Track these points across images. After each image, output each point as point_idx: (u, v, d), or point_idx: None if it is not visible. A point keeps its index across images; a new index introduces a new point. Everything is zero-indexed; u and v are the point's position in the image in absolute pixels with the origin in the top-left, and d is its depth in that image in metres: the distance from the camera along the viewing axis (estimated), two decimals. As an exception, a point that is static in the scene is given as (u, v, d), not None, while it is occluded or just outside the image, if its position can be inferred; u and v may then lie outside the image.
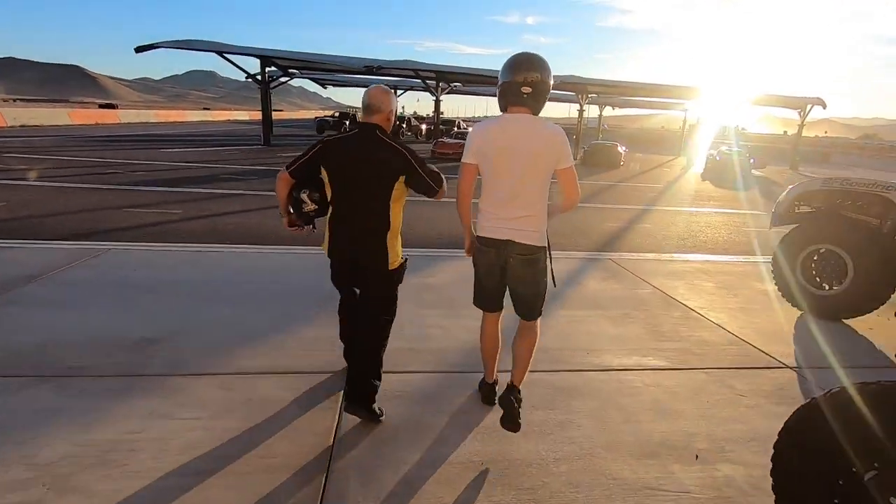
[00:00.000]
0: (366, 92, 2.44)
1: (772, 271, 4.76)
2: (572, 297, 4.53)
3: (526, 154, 2.17)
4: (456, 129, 28.49)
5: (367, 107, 2.40)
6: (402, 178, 2.35)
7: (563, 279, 5.04)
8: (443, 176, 2.48)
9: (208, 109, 59.01)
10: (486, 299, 2.50)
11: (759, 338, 3.81)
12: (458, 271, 5.07)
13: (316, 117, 35.84)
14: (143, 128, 29.61)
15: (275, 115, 63.72)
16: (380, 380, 2.52)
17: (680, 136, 39.86)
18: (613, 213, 10.03)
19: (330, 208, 2.44)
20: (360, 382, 2.46)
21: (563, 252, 6.26)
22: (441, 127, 27.90)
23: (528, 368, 2.45)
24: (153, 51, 18.16)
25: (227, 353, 3.11)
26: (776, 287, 4.72)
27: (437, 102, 23.44)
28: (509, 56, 2.24)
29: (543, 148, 2.18)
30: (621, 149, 23.79)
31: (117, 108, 47.06)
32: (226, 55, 19.06)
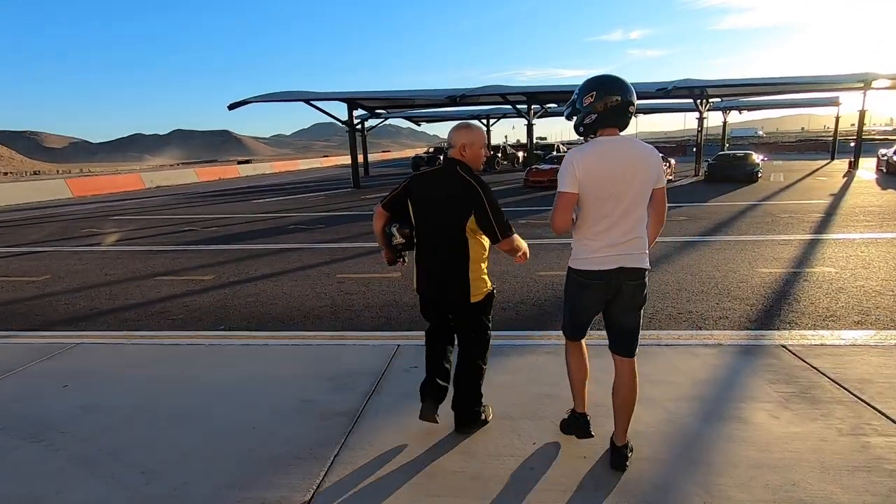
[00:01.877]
0: None
1: None
2: (732, 463, 2.27)
3: (631, 176, 2.10)
4: (555, 152, 26.30)
5: (447, 143, 2.48)
6: (473, 214, 2.33)
7: (702, 402, 2.82)
8: (514, 231, 2.38)
9: (327, 157, 62.95)
10: (580, 329, 2.34)
11: None
12: (519, 384, 3.06)
13: (416, 155, 35.97)
14: (256, 179, 31.67)
15: (381, 156, 66.44)
16: (480, 406, 2.61)
17: (832, 136, 33.14)
18: (765, 250, 7.18)
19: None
20: (459, 410, 2.56)
21: (696, 334, 3.92)
22: (538, 153, 25.93)
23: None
24: (284, 111, 18.98)
25: None
26: None
27: (530, 127, 21.51)
28: (591, 79, 2.15)
29: (645, 168, 2.11)
30: (758, 158, 19.68)
31: (251, 162, 51.31)
32: (312, 103, 19.22)
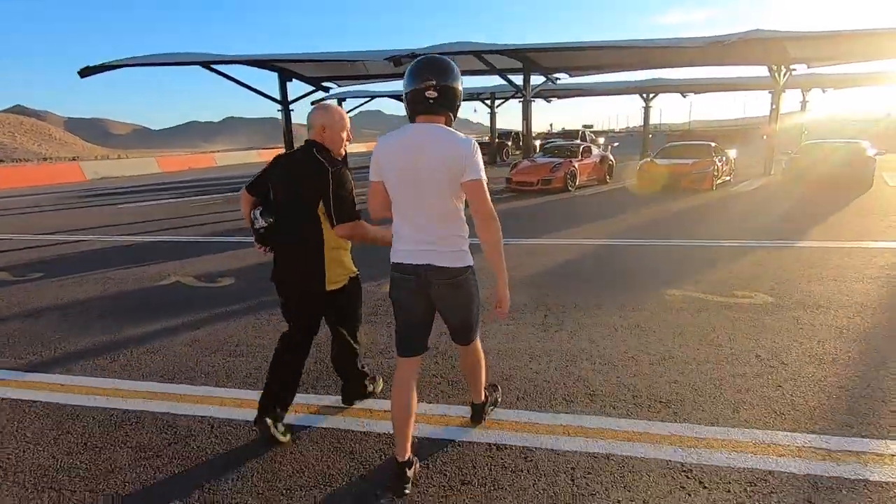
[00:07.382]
0: None
1: None
2: None
3: (431, 167, 1.96)
4: (578, 141, 19.89)
5: (307, 125, 2.44)
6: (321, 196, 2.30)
7: None
8: (356, 215, 2.33)
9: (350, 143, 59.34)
10: (406, 340, 2.19)
11: None
12: None
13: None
14: (217, 171, 26.93)
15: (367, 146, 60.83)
16: (366, 381, 2.80)
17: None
18: None
19: None
20: (348, 393, 2.75)
21: None
22: (554, 141, 19.78)
23: (483, 381, 2.47)
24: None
25: None
26: None
27: (527, 104, 15.36)
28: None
29: (447, 160, 1.95)
30: (871, 150, 12.73)
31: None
32: (213, 67, 13.93)
